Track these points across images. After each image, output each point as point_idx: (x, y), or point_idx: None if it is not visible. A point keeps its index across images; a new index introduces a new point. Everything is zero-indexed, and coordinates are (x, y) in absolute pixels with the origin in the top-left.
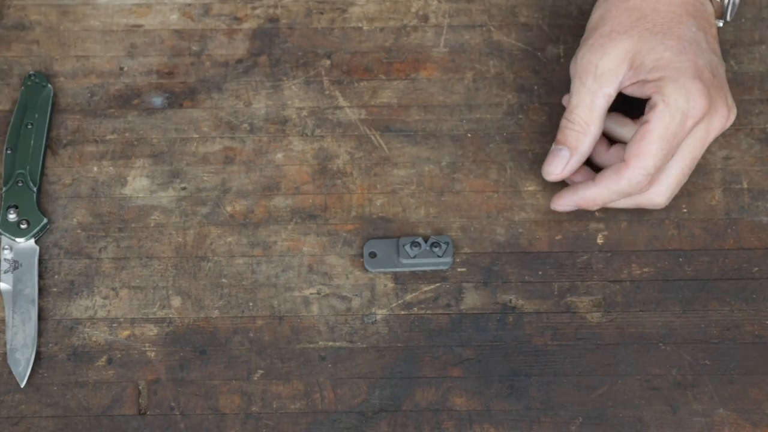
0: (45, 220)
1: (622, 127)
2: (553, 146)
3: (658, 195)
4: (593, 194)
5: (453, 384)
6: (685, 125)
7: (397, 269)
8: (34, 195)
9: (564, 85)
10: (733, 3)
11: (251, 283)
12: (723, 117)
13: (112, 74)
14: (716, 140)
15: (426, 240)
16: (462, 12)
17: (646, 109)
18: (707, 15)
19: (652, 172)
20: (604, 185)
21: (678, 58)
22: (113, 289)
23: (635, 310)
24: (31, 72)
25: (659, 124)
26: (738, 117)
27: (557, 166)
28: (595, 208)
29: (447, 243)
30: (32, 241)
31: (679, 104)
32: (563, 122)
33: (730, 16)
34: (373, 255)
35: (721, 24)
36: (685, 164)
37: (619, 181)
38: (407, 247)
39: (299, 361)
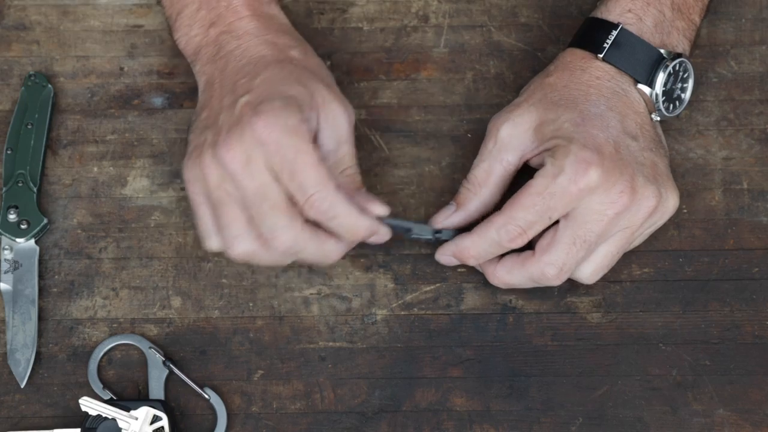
0: (45, 221)
1: None
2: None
3: (548, 266)
4: (468, 243)
5: (453, 384)
6: (569, 189)
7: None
8: (34, 195)
9: None
10: (672, 98)
11: (251, 283)
12: (649, 203)
13: (113, 74)
14: (717, 140)
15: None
16: (462, 12)
17: None
18: (628, 101)
19: (521, 224)
20: (477, 233)
21: (575, 129)
22: (113, 289)
23: (635, 310)
24: (31, 72)
25: (539, 181)
26: (738, 117)
27: (439, 216)
28: (473, 261)
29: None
30: (32, 241)
31: (564, 166)
32: (463, 181)
33: (669, 112)
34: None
35: (657, 118)
36: (586, 244)
37: (489, 227)
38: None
39: (299, 362)
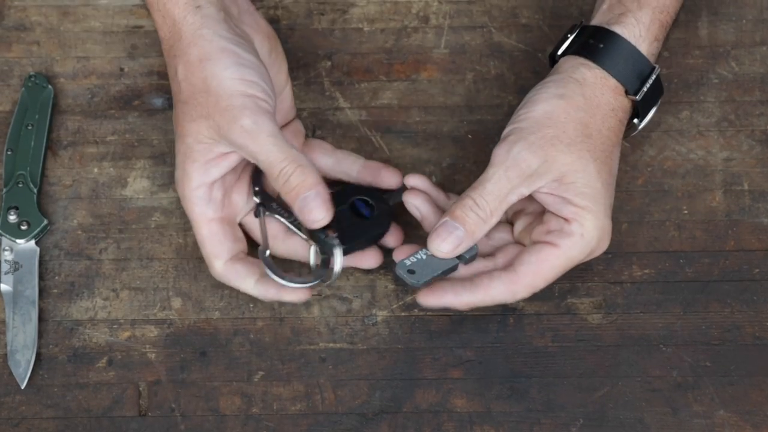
0: (45, 222)
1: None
2: (448, 220)
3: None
4: (473, 299)
5: (453, 385)
6: (586, 258)
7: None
8: (35, 196)
9: None
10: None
11: None
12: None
13: (113, 75)
14: (717, 141)
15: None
16: (463, 13)
17: (558, 227)
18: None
19: (539, 290)
20: (484, 294)
21: (605, 193)
22: (113, 290)
23: (636, 311)
24: (31, 73)
25: (568, 254)
26: (739, 118)
27: (450, 245)
28: (466, 309)
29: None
30: (33, 242)
31: (592, 243)
32: (468, 201)
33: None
34: (411, 272)
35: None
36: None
37: (503, 293)
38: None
39: (300, 363)
